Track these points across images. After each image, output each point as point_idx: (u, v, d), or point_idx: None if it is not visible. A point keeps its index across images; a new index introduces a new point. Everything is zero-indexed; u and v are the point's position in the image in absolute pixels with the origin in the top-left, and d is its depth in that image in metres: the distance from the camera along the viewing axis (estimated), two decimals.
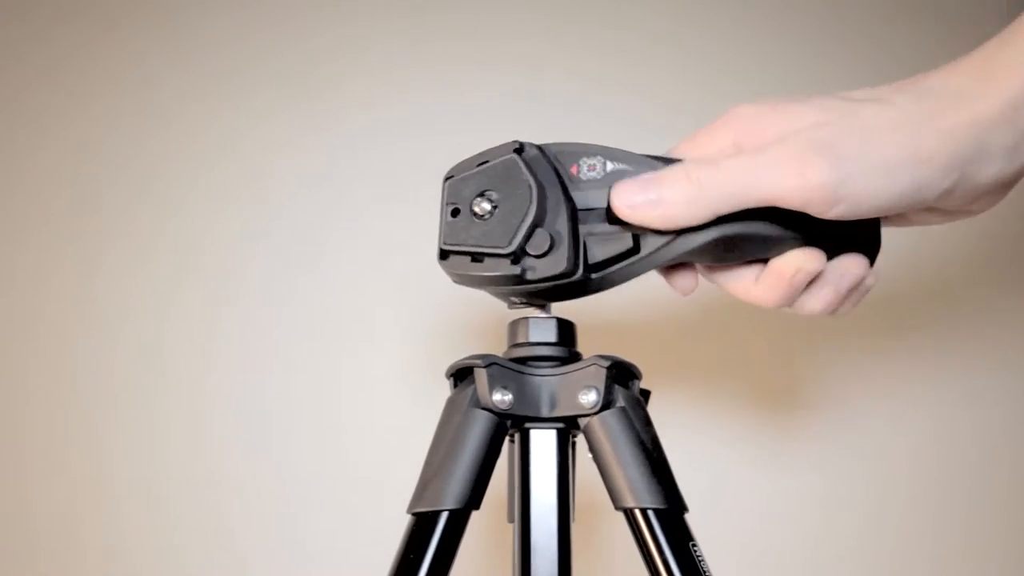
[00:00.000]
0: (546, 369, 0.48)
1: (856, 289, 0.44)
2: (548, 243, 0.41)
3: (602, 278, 0.44)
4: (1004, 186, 0.40)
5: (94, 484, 0.80)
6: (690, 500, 0.45)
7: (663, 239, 0.42)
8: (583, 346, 0.50)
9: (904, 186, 0.37)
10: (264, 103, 0.86)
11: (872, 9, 0.88)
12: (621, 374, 0.47)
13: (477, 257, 0.43)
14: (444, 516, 0.44)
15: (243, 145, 0.85)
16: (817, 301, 0.44)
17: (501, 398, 0.46)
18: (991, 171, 0.38)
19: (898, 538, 0.80)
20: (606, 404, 0.46)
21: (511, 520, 0.49)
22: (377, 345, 0.82)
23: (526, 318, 0.49)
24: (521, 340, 0.49)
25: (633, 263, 0.43)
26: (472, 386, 0.46)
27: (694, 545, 0.44)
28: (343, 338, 0.82)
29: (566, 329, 0.49)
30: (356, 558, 0.78)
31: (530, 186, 0.41)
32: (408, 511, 0.45)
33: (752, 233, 0.42)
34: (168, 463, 0.80)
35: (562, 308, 0.51)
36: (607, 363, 0.46)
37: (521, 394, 0.47)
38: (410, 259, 0.83)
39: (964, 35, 0.85)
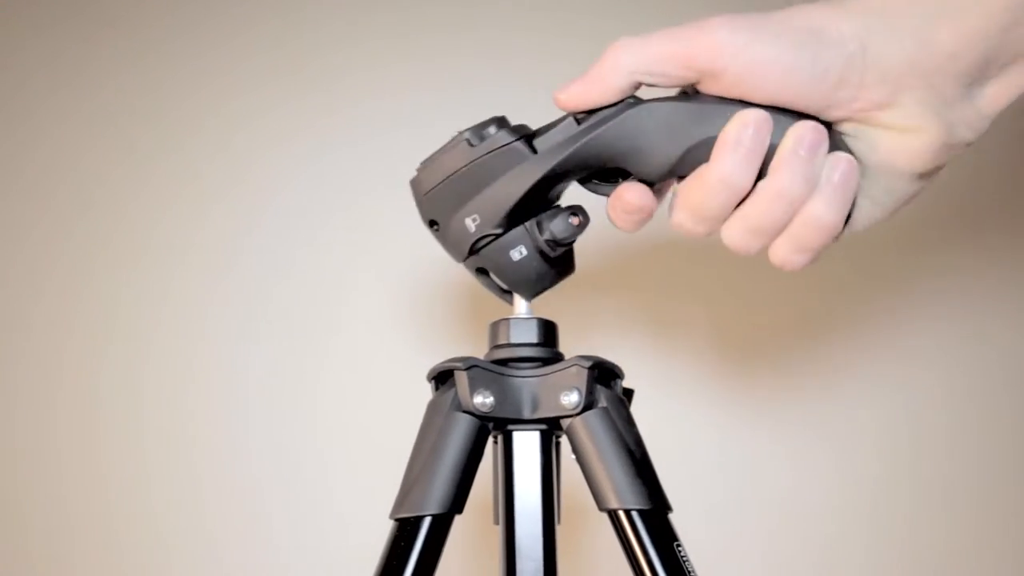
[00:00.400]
0: (527, 370, 0.47)
1: (830, 161, 0.40)
2: (498, 127, 0.45)
3: (547, 151, 0.44)
4: (921, 77, 0.38)
5: (84, 483, 0.79)
6: (676, 504, 0.45)
7: (597, 113, 0.43)
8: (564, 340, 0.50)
9: (801, 51, 0.38)
10: (260, 98, 0.86)
11: None
12: (603, 374, 0.47)
13: (439, 155, 0.46)
14: (427, 521, 0.44)
15: (238, 141, 0.85)
16: (786, 173, 0.40)
17: (482, 401, 0.45)
18: (897, 48, 0.38)
19: (900, 517, 0.80)
20: (588, 405, 0.45)
21: (497, 522, 0.49)
22: (371, 343, 0.82)
23: (507, 319, 0.49)
24: (502, 341, 0.49)
25: (572, 136, 0.43)
26: (453, 389, 0.46)
27: (679, 545, 0.43)
28: (334, 335, 0.82)
29: (547, 329, 0.49)
30: (344, 563, 0.78)
31: (495, 115, 0.46)
32: (390, 517, 0.45)
33: (680, 104, 0.42)
34: (158, 462, 0.80)
35: (542, 307, 0.51)
36: (588, 363, 0.45)
37: (502, 396, 0.46)
38: (406, 257, 0.82)
39: None
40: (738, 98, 0.40)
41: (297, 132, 0.85)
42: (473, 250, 0.47)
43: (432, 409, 0.47)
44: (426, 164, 0.47)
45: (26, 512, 0.79)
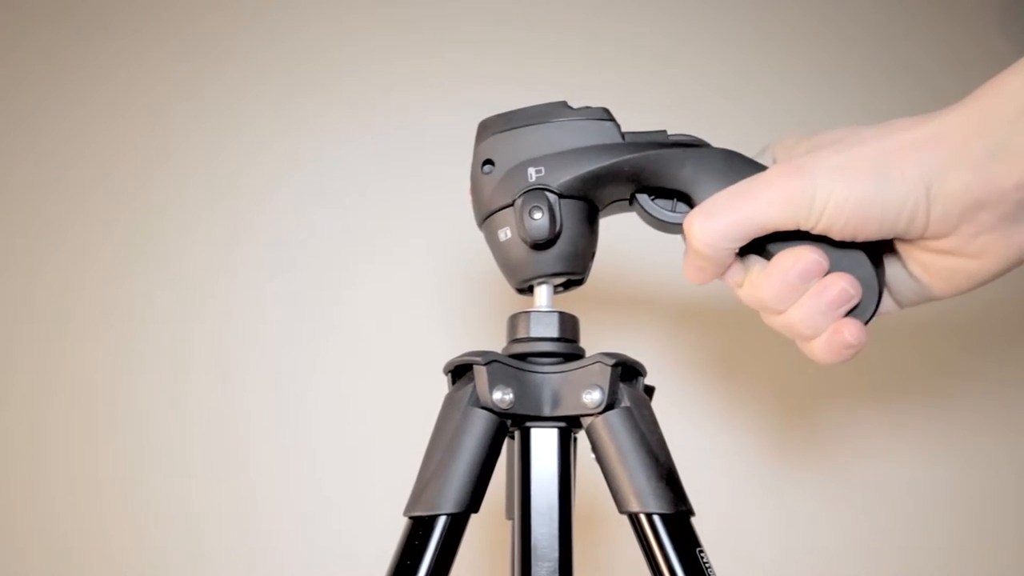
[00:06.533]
0: (548, 366, 0.46)
1: (836, 326, 0.42)
2: (599, 109, 0.47)
3: (634, 144, 0.46)
4: (983, 209, 0.38)
5: (79, 485, 0.78)
6: (699, 509, 0.44)
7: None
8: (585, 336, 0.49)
9: (869, 190, 0.39)
10: (260, 96, 0.84)
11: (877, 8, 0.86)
12: (626, 372, 0.45)
13: (528, 107, 0.48)
14: (442, 520, 0.43)
15: (240, 138, 0.83)
16: (802, 307, 0.43)
17: (502, 397, 0.44)
18: (961, 185, 0.38)
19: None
20: (610, 404, 0.44)
21: (509, 517, 0.48)
22: (371, 342, 0.80)
23: (527, 312, 0.47)
24: (522, 335, 0.47)
25: (660, 141, 0.46)
26: (471, 384, 0.45)
27: (701, 551, 0.42)
28: (335, 331, 0.80)
29: (568, 323, 0.48)
30: (354, 560, 0.77)
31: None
32: (405, 514, 0.44)
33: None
34: (154, 462, 0.78)
35: (564, 299, 0.49)
36: (612, 361, 0.44)
37: (522, 393, 0.45)
38: (408, 253, 0.81)
39: (964, 40, 0.83)
40: (821, 235, 0.42)
41: (300, 129, 0.83)
42: (501, 208, 0.46)
43: (449, 404, 0.46)
44: (509, 112, 0.47)
45: (20, 514, 0.78)
